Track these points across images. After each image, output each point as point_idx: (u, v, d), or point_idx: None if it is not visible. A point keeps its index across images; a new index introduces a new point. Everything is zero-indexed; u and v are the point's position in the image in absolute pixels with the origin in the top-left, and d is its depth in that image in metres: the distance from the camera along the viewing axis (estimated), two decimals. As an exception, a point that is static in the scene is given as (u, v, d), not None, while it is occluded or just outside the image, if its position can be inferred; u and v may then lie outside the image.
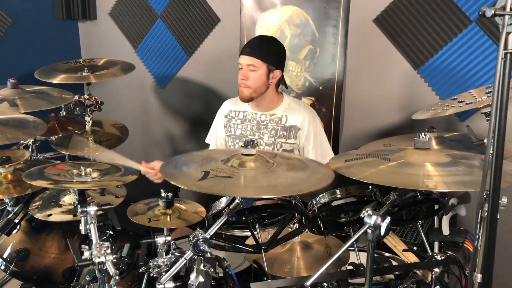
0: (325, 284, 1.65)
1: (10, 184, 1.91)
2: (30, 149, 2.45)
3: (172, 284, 1.45)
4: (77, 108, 2.62)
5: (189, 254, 1.42)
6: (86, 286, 1.73)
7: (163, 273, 1.50)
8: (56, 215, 1.75)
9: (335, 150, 2.78)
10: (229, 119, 2.45)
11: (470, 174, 1.42)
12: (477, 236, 1.19)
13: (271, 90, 2.30)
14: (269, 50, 2.26)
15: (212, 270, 1.44)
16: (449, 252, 1.88)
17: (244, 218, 1.72)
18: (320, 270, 1.34)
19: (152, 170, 2.13)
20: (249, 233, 1.82)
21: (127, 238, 1.89)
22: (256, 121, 2.37)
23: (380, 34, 2.63)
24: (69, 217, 1.72)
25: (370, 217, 1.29)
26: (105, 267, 1.46)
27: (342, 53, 2.66)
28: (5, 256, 1.92)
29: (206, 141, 2.60)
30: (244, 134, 2.39)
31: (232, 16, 3.02)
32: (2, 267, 1.92)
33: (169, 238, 1.56)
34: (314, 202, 1.78)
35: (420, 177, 1.39)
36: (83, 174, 1.68)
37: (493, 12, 1.04)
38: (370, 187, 1.74)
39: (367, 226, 1.30)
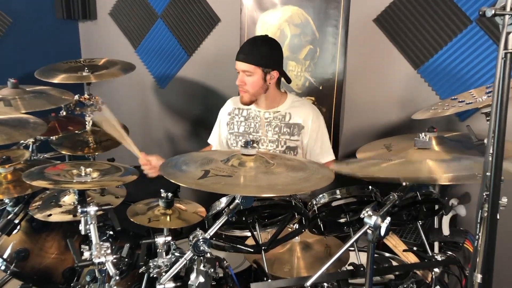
0: (325, 284, 1.65)
1: (10, 184, 1.90)
2: (30, 149, 2.45)
3: (172, 284, 1.45)
4: (77, 108, 2.62)
5: (189, 254, 1.42)
6: (86, 286, 1.73)
7: (163, 273, 1.50)
8: (56, 215, 1.74)
9: (335, 149, 2.77)
10: (233, 117, 2.45)
11: (472, 169, 1.42)
12: (477, 236, 1.19)
13: (271, 89, 2.30)
14: (262, 53, 2.24)
15: (212, 270, 1.44)
16: (449, 252, 1.88)
17: (244, 218, 1.72)
18: (320, 270, 1.34)
19: (149, 163, 2.26)
20: (249, 233, 1.82)
21: (127, 239, 1.89)
22: (259, 119, 2.37)
23: (380, 34, 2.63)
24: (69, 217, 1.72)
25: (370, 218, 1.30)
26: (105, 268, 1.46)
27: (342, 53, 2.66)
28: (5, 256, 1.91)
29: (209, 141, 2.59)
30: (248, 132, 2.40)
31: (232, 16, 3.02)
32: (3, 267, 1.92)
33: (169, 238, 1.57)
34: (314, 202, 1.78)
35: (423, 170, 1.40)
36: (83, 174, 1.68)
37: (493, 12, 1.04)
38: (370, 187, 1.74)
39: (367, 226, 1.30)
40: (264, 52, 2.25)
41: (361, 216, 1.32)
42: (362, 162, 1.64)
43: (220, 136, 2.53)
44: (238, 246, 1.76)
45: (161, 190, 1.73)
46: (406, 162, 1.49)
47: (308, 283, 1.35)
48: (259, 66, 2.21)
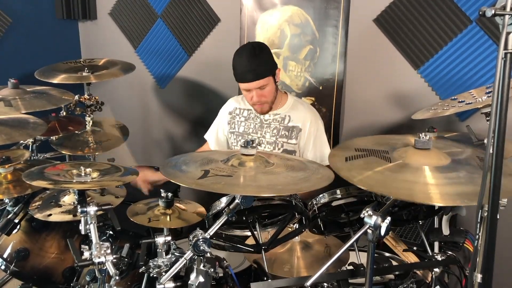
0: (325, 284, 1.65)
1: (10, 184, 1.90)
2: (30, 149, 2.45)
3: (172, 284, 1.45)
4: (78, 108, 2.62)
5: (189, 254, 1.42)
6: (86, 286, 1.73)
7: (163, 273, 1.50)
8: (56, 215, 1.74)
9: (335, 150, 2.78)
10: (233, 116, 2.46)
11: (471, 182, 1.34)
12: (477, 236, 1.19)
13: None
14: (266, 62, 2.22)
15: (212, 270, 1.44)
16: (449, 252, 1.88)
17: (244, 218, 1.72)
18: (320, 270, 1.34)
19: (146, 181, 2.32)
20: (249, 233, 1.82)
21: (127, 238, 1.90)
22: (259, 120, 2.37)
23: (380, 34, 2.63)
24: (69, 217, 1.72)
25: (370, 217, 1.29)
26: (105, 267, 1.46)
27: (342, 53, 2.66)
28: (5, 256, 1.92)
29: (205, 137, 2.59)
30: (247, 132, 2.40)
31: (232, 16, 3.02)
32: (3, 267, 1.92)
33: (169, 238, 1.57)
34: (314, 202, 1.78)
35: (418, 188, 1.32)
36: (83, 174, 1.68)
37: (493, 12, 1.04)
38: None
39: (367, 226, 1.30)
40: (265, 60, 2.23)
41: (361, 215, 1.32)
42: (361, 157, 1.61)
43: (218, 133, 2.53)
44: (238, 245, 1.76)
45: (161, 190, 1.73)
46: (403, 166, 1.44)
47: (308, 282, 1.35)
48: (270, 74, 2.21)
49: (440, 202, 1.32)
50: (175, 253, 1.57)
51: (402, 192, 1.31)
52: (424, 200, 1.30)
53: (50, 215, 1.75)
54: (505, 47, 1.05)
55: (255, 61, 2.18)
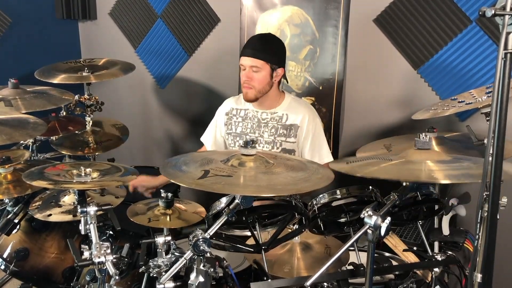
0: (325, 284, 1.65)
1: (10, 184, 1.90)
2: (30, 149, 2.45)
3: (172, 284, 1.45)
4: (78, 108, 2.62)
5: (189, 254, 1.42)
6: (86, 286, 1.73)
7: (163, 273, 1.50)
8: (56, 215, 1.74)
9: (335, 150, 2.78)
10: (230, 117, 2.45)
11: (473, 168, 1.42)
12: (477, 236, 1.19)
13: (274, 88, 2.30)
14: (271, 50, 2.25)
15: (212, 270, 1.44)
16: (449, 252, 1.88)
17: (244, 218, 1.72)
18: (320, 270, 1.34)
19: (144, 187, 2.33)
20: (249, 233, 1.82)
21: (127, 238, 1.89)
22: (257, 119, 2.37)
23: (380, 34, 2.63)
24: (69, 217, 1.72)
25: (370, 217, 1.30)
26: (105, 267, 1.46)
27: (342, 53, 2.66)
28: (5, 256, 1.92)
29: (202, 139, 2.58)
30: (245, 132, 2.39)
31: (232, 16, 3.02)
32: (2, 267, 1.92)
33: (169, 238, 1.57)
34: (314, 202, 1.78)
35: (423, 172, 1.41)
36: (83, 174, 1.67)
37: (493, 12, 1.04)
38: (370, 187, 1.74)
39: (367, 226, 1.30)
40: (273, 49, 2.26)
41: (361, 216, 1.32)
42: (362, 161, 1.63)
43: (215, 135, 2.52)
44: (238, 245, 1.76)
45: (161, 190, 1.73)
46: (406, 162, 1.49)
47: (308, 282, 1.35)
48: (268, 62, 2.21)
49: (445, 180, 1.39)
50: (175, 253, 1.57)
51: (409, 175, 1.41)
52: (430, 179, 1.40)
53: (50, 215, 1.74)
54: (505, 47, 1.05)
55: (262, 43, 2.27)
